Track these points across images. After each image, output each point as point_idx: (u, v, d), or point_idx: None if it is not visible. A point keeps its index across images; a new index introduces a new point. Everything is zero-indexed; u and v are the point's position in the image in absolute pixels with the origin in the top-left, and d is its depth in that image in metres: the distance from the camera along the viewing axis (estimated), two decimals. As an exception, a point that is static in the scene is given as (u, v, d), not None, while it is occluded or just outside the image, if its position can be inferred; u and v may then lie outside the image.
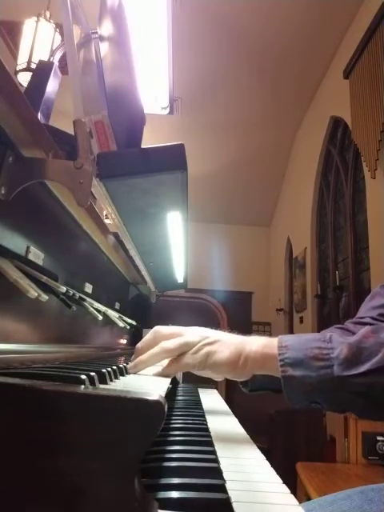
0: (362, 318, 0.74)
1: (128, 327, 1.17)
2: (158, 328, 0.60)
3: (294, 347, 0.51)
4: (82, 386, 0.35)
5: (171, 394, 0.95)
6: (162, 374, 0.57)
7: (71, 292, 0.65)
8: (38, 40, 2.24)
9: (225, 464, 0.44)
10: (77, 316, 0.79)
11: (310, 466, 1.71)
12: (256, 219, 6.86)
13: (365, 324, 0.72)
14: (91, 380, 0.38)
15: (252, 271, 6.73)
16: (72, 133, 0.52)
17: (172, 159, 0.55)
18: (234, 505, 0.34)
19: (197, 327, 0.59)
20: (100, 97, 0.61)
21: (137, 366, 0.56)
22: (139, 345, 0.60)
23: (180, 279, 1.33)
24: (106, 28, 0.69)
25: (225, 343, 0.55)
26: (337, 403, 0.50)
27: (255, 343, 0.55)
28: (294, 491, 0.38)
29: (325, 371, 0.48)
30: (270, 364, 0.52)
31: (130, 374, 0.56)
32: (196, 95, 4.61)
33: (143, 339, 0.60)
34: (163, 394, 0.44)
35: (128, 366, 0.57)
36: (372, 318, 0.72)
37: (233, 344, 0.55)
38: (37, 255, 0.58)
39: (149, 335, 0.60)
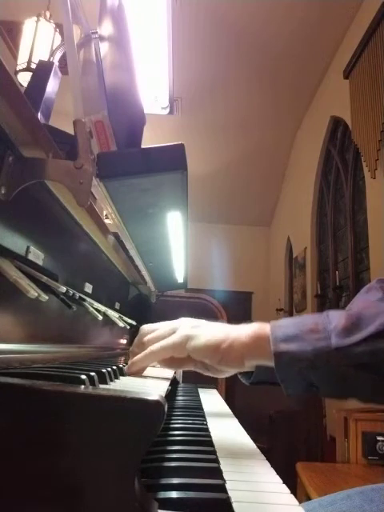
0: None
1: (128, 327, 1.17)
2: (142, 327, 0.60)
3: (287, 325, 0.47)
4: (82, 386, 0.35)
5: (171, 393, 0.95)
6: (140, 359, 0.55)
7: (71, 292, 0.65)
8: (37, 40, 2.23)
9: (225, 464, 0.44)
10: (77, 316, 0.79)
11: (310, 466, 1.70)
12: (256, 219, 6.86)
13: None
14: (91, 380, 0.38)
15: (252, 271, 6.73)
16: (72, 133, 0.52)
17: (172, 159, 0.55)
18: (234, 505, 0.34)
19: (186, 319, 0.57)
20: (100, 97, 0.61)
21: (130, 369, 0.56)
22: (131, 348, 0.59)
23: (180, 279, 1.33)
24: (106, 28, 0.69)
25: (211, 328, 0.53)
26: (336, 382, 0.44)
27: (246, 328, 0.51)
28: (294, 491, 0.38)
29: (322, 343, 0.43)
30: (262, 346, 0.47)
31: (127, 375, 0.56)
32: (196, 95, 4.61)
33: (134, 342, 0.60)
34: (163, 394, 0.44)
35: (125, 369, 0.57)
36: None
37: (219, 329, 0.52)
38: (37, 255, 0.58)
39: (138, 336, 0.59)
